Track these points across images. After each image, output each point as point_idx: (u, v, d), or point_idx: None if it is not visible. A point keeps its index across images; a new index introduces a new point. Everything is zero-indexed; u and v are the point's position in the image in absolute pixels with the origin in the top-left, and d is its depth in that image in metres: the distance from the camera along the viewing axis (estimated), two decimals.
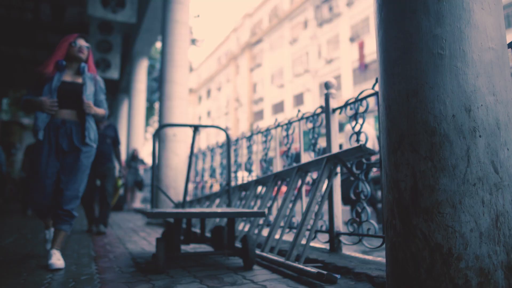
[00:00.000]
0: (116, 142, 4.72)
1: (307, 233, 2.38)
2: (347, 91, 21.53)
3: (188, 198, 5.39)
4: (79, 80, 2.59)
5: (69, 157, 2.49)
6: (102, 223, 4.33)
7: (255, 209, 3.22)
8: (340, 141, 2.76)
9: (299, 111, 3.20)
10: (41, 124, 2.44)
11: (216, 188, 5.11)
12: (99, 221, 4.34)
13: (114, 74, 10.29)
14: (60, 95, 2.46)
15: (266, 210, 2.99)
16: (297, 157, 3.38)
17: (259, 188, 3.46)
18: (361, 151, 2.21)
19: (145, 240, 3.66)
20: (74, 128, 2.51)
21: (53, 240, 2.42)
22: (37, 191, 2.42)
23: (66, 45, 2.58)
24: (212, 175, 5.16)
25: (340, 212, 2.61)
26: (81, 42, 2.63)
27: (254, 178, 3.71)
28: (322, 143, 2.91)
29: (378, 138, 1.61)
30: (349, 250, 2.83)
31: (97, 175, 4.45)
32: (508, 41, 1.47)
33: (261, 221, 3.09)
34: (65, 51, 2.58)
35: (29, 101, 2.43)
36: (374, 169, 4.12)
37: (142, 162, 9.26)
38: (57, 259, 2.27)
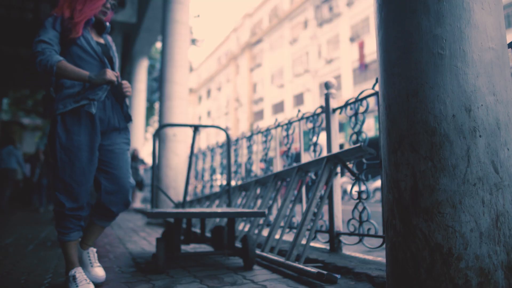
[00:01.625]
0: None
1: (307, 233, 2.38)
2: (347, 91, 21.53)
3: (188, 198, 5.39)
4: (101, 39, 2.01)
5: (114, 141, 1.88)
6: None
7: (255, 209, 3.22)
8: (340, 141, 2.77)
9: (299, 111, 3.20)
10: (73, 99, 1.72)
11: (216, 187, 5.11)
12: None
13: None
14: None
15: (266, 210, 2.99)
16: (297, 157, 3.38)
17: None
18: (361, 151, 2.21)
19: (145, 240, 3.66)
20: (114, 100, 1.92)
21: (91, 236, 1.92)
22: (74, 192, 1.72)
23: (101, 3, 1.93)
24: (212, 175, 5.16)
25: (340, 212, 2.61)
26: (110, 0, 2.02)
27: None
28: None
29: (376, 138, 1.60)
30: (349, 250, 2.83)
31: None
32: (508, 41, 1.47)
33: (261, 221, 3.09)
34: (98, 10, 1.92)
35: (67, 67, 1.67)
36: None
37: (142, 162, 9.28)
38: (98, 266, 1.87)
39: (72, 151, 1.70)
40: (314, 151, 2.92)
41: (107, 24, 2.02)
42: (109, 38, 2.09)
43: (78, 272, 1.70)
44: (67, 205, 1.70)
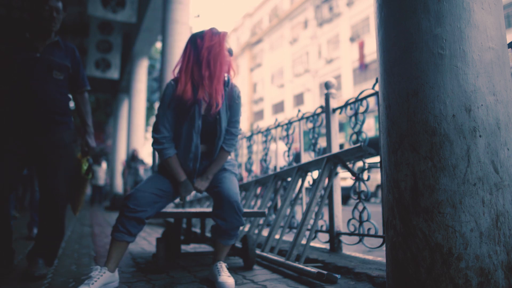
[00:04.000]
0: (78, 82, 2.23)
1: (307, 233, 2.38)
2: (347, 91, 21.53)
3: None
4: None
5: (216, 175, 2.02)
6: (41, 255, 2.07)
7: (255, 209, 3.22)
8: (341, 141, 2.77)
9: (299, 111, 3.20)
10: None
11: None
12: (37, 252, 2.09)
13: (114, 74, 10.30)
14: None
15: (266, 210, 2.99)
16: (297, 157, 3.38)
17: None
18: (361, 151, 2.21)
19: (145, 240, 3.66)
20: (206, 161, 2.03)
21: (216, 254, 1.96)
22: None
23: (227, 55, 1.91)
24: None
25: (340, 212, 2.61)
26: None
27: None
28: (322, 143, 2.91)
29: (376, 138, 1.58)
30: (349, 250, 2.83)
31: (27, 153, 2.04)
32: (508, 41, 1.47)
33: (261, 221, 3.09)
34: (227, 65, 1.92)
35: (171, 164, 1.91)
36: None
37: (142, 162, 9.27)
38: (227, 276, 1.78)
39: (149, 182, 1.91)
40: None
41: (225, 76, 1.96)
42: (229, 91, 1.99)
43: (96, 272, 1.70)
44: (127, 204, 1.80)
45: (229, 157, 2.09)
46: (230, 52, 1.96)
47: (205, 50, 1.86)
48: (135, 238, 1.83)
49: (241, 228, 3.29)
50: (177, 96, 1.88)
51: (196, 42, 1.90)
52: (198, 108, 1.89)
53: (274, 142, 3.85)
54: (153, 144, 1.92)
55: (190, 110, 1.89)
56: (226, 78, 1.97)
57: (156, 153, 2.00)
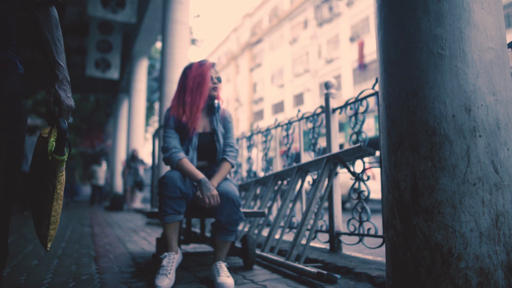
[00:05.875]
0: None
1: (307, 233, 2.38)
2: (347, 91, 21.54)
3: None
4: (207, 125, 2.21)
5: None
6: None
7: (255, 209, 3.22)
8: (341, 141, 2.77)
9: (299, 111, 3.20)
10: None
11: None
12: None
13: (114, 74, 10.30)
14: (198, 152, 2.17)
15: (266, 210, 2.99)
16: (297, 157, 3.38)
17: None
18: (361, 151, 2.21)
19: (145, 240, 3.66)
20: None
21: (216, 252, 2.00)
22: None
23: (208, 86, 2.12)
24: None
25: (340, 212, 2.61)
26: (214, 74, 2.17)
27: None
28: (322, 143, 2.91)
29: (376, 138, 1.57)
30: (349, 250, 2.83)
31: None
32: (508, 41, 1.47)
33: (261, 221, 3.09)
34: (209, 91, 2.13)
35: (184, 167, 2.00)
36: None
37: (142, 162, 9.27)
38: (226, 276, 1.79)
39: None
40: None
41: (216, 103, 2.21)
42: (222, 111, 2.24)
43: (166, 259, 1.83)
44: (164, 181, 1.91)
45: (229, 177, 2.24)
46: (219, 79, 2.18)
47: (190, 79, 2.11)
48: (183, 216, 1.96)
49: (240, 227, 3.30)
50: (176, 120, 2.12)
51: (186, 73, 2.15)
52: (195, 128, 2.12)
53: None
54: (163, 154, 2.05)
55: (188, 129, 2.11)
56: (216, 105, 2.21)
57: (162, 159, 2.10)
